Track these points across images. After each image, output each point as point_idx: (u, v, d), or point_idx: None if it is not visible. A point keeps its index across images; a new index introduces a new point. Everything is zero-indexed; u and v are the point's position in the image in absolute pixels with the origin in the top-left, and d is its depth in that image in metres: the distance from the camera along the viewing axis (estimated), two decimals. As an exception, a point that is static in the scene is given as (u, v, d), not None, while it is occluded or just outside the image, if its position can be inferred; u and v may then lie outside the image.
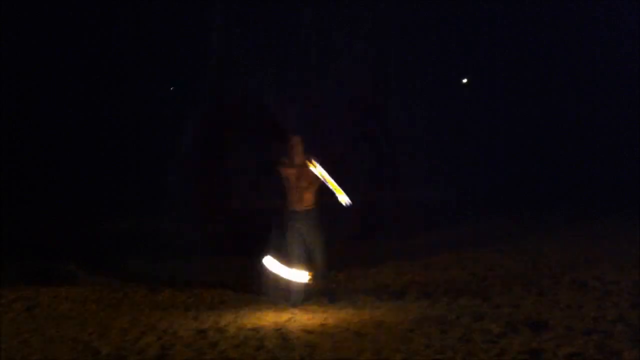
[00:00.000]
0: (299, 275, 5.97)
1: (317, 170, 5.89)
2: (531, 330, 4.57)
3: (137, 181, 13.20)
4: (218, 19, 13.31)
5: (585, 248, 8.38)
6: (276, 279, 6.12)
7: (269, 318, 5.47)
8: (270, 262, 6.06)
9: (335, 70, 13.39)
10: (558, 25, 15.57)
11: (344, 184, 5.99)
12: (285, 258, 6.08)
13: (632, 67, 14.61)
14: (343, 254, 8.18)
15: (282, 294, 6.14)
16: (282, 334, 4.82)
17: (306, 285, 6.00)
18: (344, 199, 5.82)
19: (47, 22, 12.87)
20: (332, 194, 5.90)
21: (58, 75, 13.36)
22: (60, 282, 7.11)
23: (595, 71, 15.85)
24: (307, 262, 6.19)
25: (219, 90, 13.47)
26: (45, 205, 12.24)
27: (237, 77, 13.13)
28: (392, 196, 13.07)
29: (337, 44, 13.81)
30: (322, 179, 5.88)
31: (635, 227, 9.09)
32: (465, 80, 17.36)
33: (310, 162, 5.94)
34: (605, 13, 15.12)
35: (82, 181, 13.02)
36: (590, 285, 6.08)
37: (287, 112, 10.62)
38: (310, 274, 5.99)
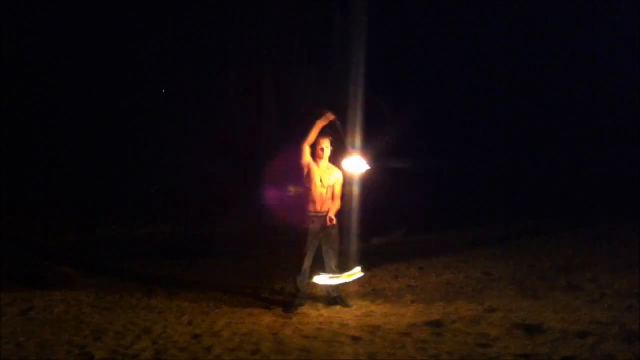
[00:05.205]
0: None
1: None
2: (526, 334, 4.58)
3: (136, 183, 13.19)
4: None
5: (580, 251, 8.41)
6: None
7: (264, 322, 5.46)
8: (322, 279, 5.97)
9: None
10: (559, 26, 15.63)
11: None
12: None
13: (632, 67, 14.67)
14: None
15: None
16: (277, 339, 4.81)
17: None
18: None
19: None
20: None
21: (56, 77, 13.35)
22: (55, 285, 7.08)
23: (595, 72, 15.89)
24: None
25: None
26: (41, 208, 12.21)
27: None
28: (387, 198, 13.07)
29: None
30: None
31: (630, 230, 9.13)
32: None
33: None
34: (606, 13, 15.18)
35: (79, 184, 13.00)
36: (585, 288, 6.10)
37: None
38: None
